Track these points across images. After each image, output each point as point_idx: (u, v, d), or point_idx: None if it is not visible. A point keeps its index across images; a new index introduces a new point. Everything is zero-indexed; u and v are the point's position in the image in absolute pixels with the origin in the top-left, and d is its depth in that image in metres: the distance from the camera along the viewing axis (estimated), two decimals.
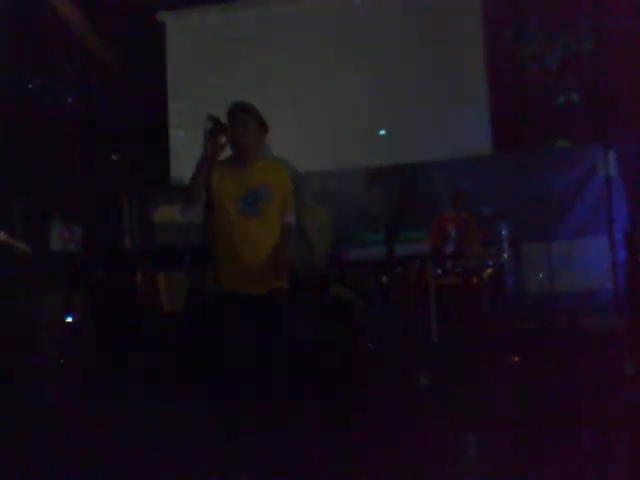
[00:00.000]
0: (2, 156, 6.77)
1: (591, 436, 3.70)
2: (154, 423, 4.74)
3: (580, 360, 5.27)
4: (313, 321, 5.32)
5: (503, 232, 6.65)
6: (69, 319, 6.88)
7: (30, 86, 8.04)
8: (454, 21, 7.67)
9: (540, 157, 7.59)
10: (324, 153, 7.26)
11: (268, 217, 3.56)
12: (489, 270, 6.52)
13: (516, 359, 5.61)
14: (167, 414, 4.94)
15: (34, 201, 6.29)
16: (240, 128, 3.52)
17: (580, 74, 7.73)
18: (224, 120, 3.46)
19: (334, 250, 5.78)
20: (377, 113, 7.61)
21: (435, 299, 5.85)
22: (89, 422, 4.80)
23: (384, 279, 5.38)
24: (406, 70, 7.58)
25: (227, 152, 3.58)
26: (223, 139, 3.40)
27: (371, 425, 4.16)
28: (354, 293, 6.10)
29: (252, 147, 3.59)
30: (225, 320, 3.56)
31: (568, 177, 7.47)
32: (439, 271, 6.30)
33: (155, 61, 8.06)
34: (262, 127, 3.62)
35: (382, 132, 7.75)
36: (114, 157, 8.49)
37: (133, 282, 7.31)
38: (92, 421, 4.83)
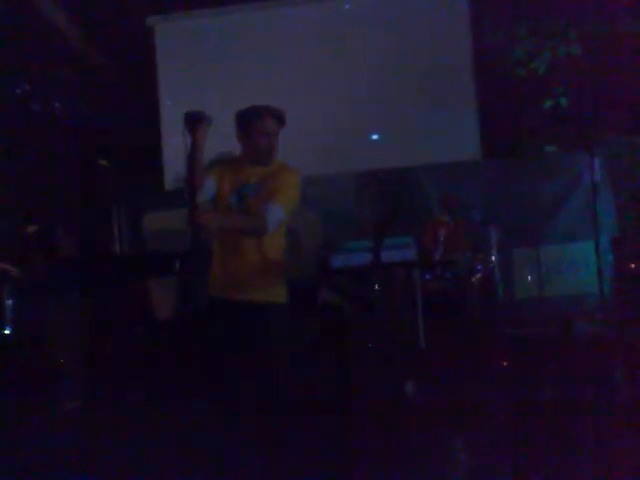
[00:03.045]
0: None
1: (582, 441, 3.71)
2: (147, 430, 4.74)
3: (570, 365, 5.27)
4: (304, 327, 5.31)
5: (492, 237, 6.66)
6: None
7: (18, 91, 8.00)
8: (443, 26, 7.68)
9: (529, 162, 7.63)
10: (313, 157, 7.27)
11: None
12: (478, 275, 6.53)
13: (504, 365, 5.61)
14: (156, 423, 4.95)
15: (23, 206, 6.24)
16: (261, 136, 3.45)
17: (568, 78, 7.75)
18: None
19: (322, 256, 5.77)
20: (366, 118, 7.60)
21: (423, 305, 5.84)
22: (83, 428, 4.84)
23: (372, 285, 5.36)
24: (395, 75, 7.58)
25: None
26: (203, 125, 3.31)
27: (360, 433, 4.14)
28: (344, 299, 6.10)
29: (273, 151, 3.48)
30: (210, 329, 3.52)
31: (556, 182, 7.50)
32: (427, 276, 6.31)
33: (146, 66, 8.05)
34: (280, 126, 3.51)
35: (375, 137, 7.75)
36: (105, 162, 8.47)
37: (123, 288, 7.30)
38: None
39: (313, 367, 4.76)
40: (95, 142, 7.95)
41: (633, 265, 7.25)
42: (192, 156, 3.29)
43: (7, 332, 5.99)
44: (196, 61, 7.95)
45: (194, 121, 3.25)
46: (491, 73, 7.77)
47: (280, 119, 3.52)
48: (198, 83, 7.78)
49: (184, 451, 4.01)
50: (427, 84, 7.52)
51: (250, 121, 3.47)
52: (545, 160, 7.87)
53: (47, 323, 5.81)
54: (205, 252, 3.56)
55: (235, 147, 3.61)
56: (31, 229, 6.00)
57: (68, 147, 7.57)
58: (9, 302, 5.90)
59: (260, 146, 3.46)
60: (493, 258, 6.61)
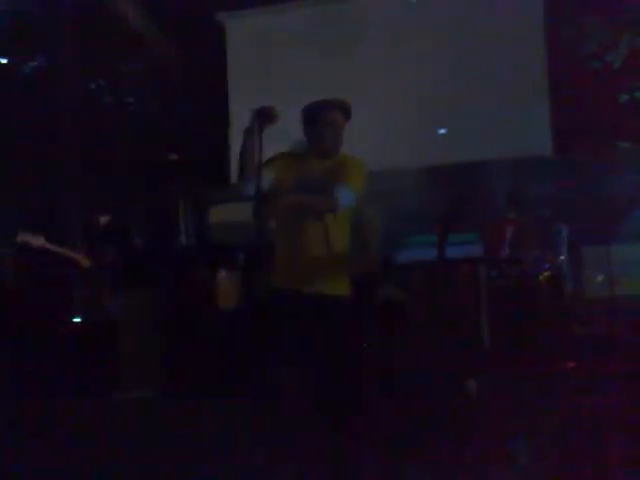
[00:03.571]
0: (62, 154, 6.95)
1: None
2: (207, 422, 4.82)
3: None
4: (364, 322, 5.30)
5: (561, 235, 6.50)
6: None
7: (92, 87, 8.22)
8: (516, 20, 7.51)
9: (601, 158, 7.41)
10: (377, 152, 7.23)
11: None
12: (546, 274, 6.38)
13: (572, 366, 5.48)
14: (218, 414, 5.02)
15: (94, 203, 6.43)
16: (327, 129, 3.49)
17: None
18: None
19: (385, 251, 5.73)
20: (434, 111, 7.50)
21: (489, 303, 5.74)
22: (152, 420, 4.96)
23: (436, 282, 5.30)
24: (464, 68, 7.46)
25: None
26: (270, 124, 3.33)
27: (424, 435, 4.10)
28: (406, 295, 6.05)
29: (338, 144, 3.53)
30: (276, 320, 3.55)
31: (630, 178, 7.27)
32: (493, 274, 6.20)
33: (215, 62, 8.15)
34: (346, 120, 3.55)
35: (442, 131, 7.65)
36: (173, 157, 8.63)
37: (189, 281, 7.42)
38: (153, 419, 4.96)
39: (374, 363, 4.75)
40: (164, 136, 8.10)
41: None
42: (249, 146, 3.34)
43: (77, 320, 6.18)
44: (265, 57, 8.00)
45: (264, 117, 3.29)
46: (564, 66, 7.57)
47: (346, 112, 3.54)
48: (267, 79, 7.83)
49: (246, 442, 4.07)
50: (498, 78, 7.38)
51: (316, 114, 3.50)
52: (618, 156, 7.63)
53: (115, 313, 5.95)
54: (269, 245, 3.59)
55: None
56: (103, 220, 6.15)
57: (137, 141, 7.73)
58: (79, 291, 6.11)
59: (326, 138, 3.48)
60: (562, 257, 6.45)
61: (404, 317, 5.75)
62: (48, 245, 5.79)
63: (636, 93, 7.47)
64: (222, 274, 7.21)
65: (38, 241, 5.79)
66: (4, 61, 7.63)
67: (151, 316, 6.01)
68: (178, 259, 7.97)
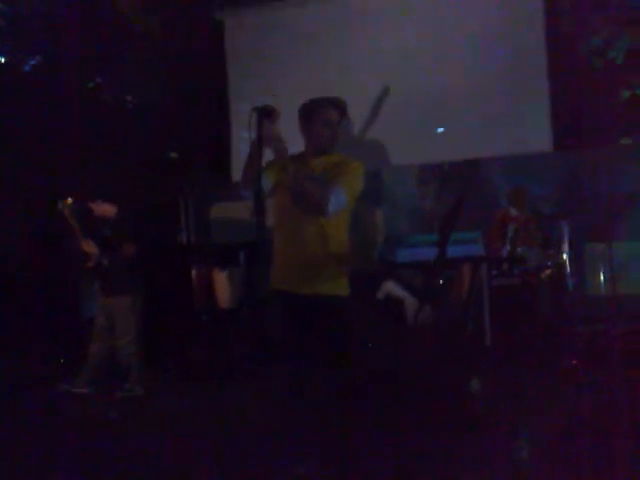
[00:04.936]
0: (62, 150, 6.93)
1: None
2: (211, 419, 4.82)
3: None
4: (365, 319, 5.28)
5: (563, 232, 6.47)
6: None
7: (91, 84, 8.19)
8: (515, 14, 7.46)
9: (603, 155, 7.36)
10: (378, 150, 7.19)
11: None
12: (548, 271, 6.36)
13: (574, 363, 5.46)
14: (219, 411, 5.01)
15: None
16: (320, 126, 3.49)
17: None
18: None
19: (385, 250, 5.71)
20: (432, 108, 7.45)
21: (490, 301, 5.72)
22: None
23: (436, 280, 5.28)
24: (463, 64, 7.41)
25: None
26: (270, 122, 3.31)
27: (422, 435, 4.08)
28: (406, 292, 6.04)
29: (332, 141, 3.55)
30: (275, 322, 3.53)
31: (631, 176, 7.23)
32: (495, 272, 6.18)
33: (215, 60, 8.12)
34: (341, 117, 3.56)
35: (440, 130, 7.60)
36: (173, 155, 8.61)
37: (189, 279, 7.42)
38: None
39: (375, 361, 4.74)
40: (164, 134, 8.07)
41: None
42: (252, 150, 3.32)
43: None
44: (265, 55, 7.95)
45: (261, 115, 3.27)
46: (565, 62, 7.52)
47: (341, 110, 3.55)
48: (267, 77, 7.79)
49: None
50: (497, 73, 7.33)
51: (311, 112, 3.51)
52: (620, 153, 7.59)
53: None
54: (270, 243, 3.57)
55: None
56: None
57: (137, 139, 7.70)
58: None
59: (322, 136, 3.50)
60: (564, 254, 6.43)
61: (405, 314, 5.74)
62: None
63: (638, 90, 7.42)
64: (222, 273, 7.21)
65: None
66: (3, 60, 7.59)
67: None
68: (177, 257, 7.97)
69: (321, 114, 3.50)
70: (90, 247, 5.90)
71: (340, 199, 3.38)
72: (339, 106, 3.55)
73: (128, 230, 6.01)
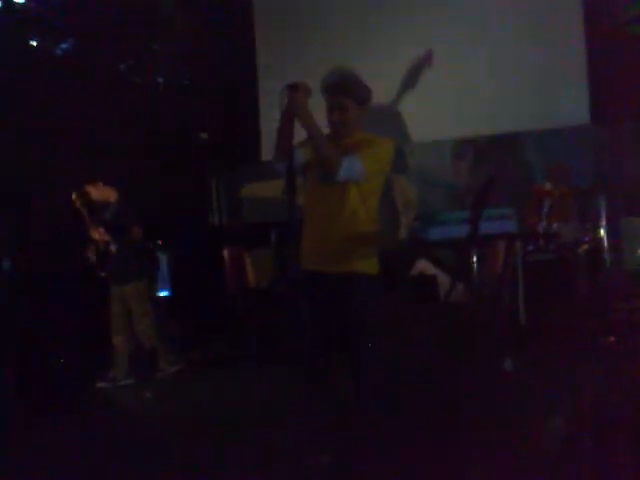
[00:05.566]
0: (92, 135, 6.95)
1: None
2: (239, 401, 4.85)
3: None
4: (398, 296, 5.23)
5: (600, 207, 6.33)
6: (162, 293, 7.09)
7: (120, 67, 8.20)
8: None
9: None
10: (411, 125, 7.09)
11: (349, 188, 3.35)
12: (585, 246, 6.24)
13: (612, 340, 5.35)
14: (250, 393, 5.05)
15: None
16: (334, 111, 3.42)
17: None
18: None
19: (419, 226, 5.64)
20: (468, 83, 7.31)
21: (525, 277, 5.61)
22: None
23: (469, 257, 5.19)
24: (501, 39, 7.27)
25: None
26: (300, 95, 3.24)
27: (456, 417, 4.03)
28: (439, 269, 5.97)
29: (346, 126, 3.43)
30: (303, 300, 3.50)
31: None
32: (530, 248, 6.07)
33: (245, 40, 8.08)
34: (361, 102, 3.42)
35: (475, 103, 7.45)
36: (203, 135, 8.61)
37: (220, 259, 7.43)
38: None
39: (407, 341, 4.69)
40: (194, 115, 8.07)
41: None
42: (282, 123, 3.28)
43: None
44: (294, 34, 7.89)
45: (289, 90, 3.22)
46: (602, 32, 7.32)
47: (357, 96, 3.42)
48: (297, 53, 7.72)
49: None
50: (533, 45, 7.18)
51: (325, 97, 3.44)
52: None
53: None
54: (301, 222, 3.54)
55: None
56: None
57: (168, 120, 7.71)
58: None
59: (332, 121, 3.43)
60: (600, 229, 6.29)
61: (438, 291, 5.68)
62: None
63: None
64: (254, 253, 7.21)
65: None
66: (35, 43, 7.62)
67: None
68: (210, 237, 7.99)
69: (330, 100, 3.40)
70: (99, 234, 5.83)
71: (354, 166, 3.29)
72: (355, 93, 3.41)
73: (133, 213, 5.91)
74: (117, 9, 7.35)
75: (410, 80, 7.22)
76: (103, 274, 5.96)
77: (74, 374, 6.00)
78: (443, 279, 5.86)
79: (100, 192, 5.85)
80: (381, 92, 6.65)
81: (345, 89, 3.41)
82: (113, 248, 5.82)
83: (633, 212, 6.85)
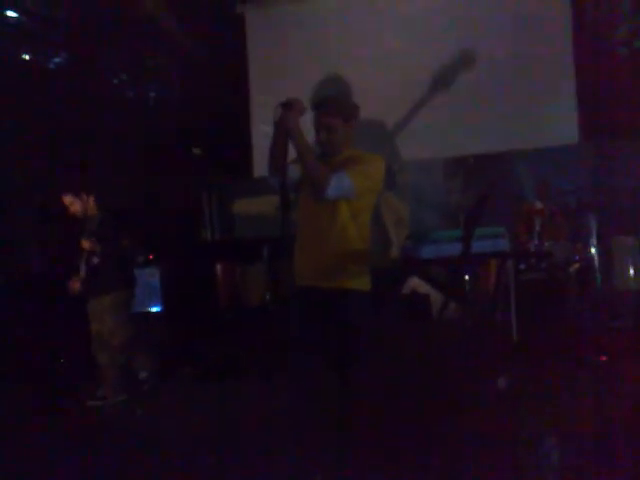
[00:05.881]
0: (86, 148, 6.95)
1: None
2: (232, 418, 4.82)
3: None
4: (390, 314, 5.24)
5: (591, 225, 6.37)
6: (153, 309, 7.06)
7: (113, 81, 8.21)
8: (542, 6, 7.34)
9: (630, 146, 7.24)
10: (403, 144, 7.12)
11: (340, 205, 3.38)
12: (576, 265, 6.28)
13: (603, 359, 5.38)
14: (242, 409, 5.02)
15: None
16: (321, 131, 3.44)
17: None
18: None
19: (410, 245, 5.65)
20: (459, 103, 7.35)
21: (517, 296, 5.64)
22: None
23: (462, 276, 5.22)
24: (488, 57, 7.32)
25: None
26: (295, 110, 3.27)
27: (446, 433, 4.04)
28: (432, 287, 5.98)
29: (334, 145, 3.47)
30: (295, 316, 3.52)
31: None
32: (522, 267, 6.10)
33: (237, 54, 8.10)
34: (347, 119, 3.45)
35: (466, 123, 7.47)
36: (196, 151, 8.62)
37: (212, 274, 7.41)
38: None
39: (398, 356, 4.70)
40: (187, 130, 8.08)
41: None
42: (275, 140, 3.31)
43: None
44: (287, 48, 7.91)
45: (283, 108, 3.25)
46: (591, 53, 7.40)
47: (345, 113, 3.44)
48: (290, 68, 7.74)
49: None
50: (523, 66, 7.23)
51: (314, 115, 3.46)
52: None
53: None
54: (294, 238, 3.55)
55: None
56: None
57: (160, 135, 7.71)
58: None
59: (320, 140, 3.46)
60: (592, 248, 6.33)
61: (430, 309, 5.69)
62: None
63: None
64: (247, 268, 7.19)
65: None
66: (28, 57, 7.62)
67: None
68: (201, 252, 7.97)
69: (317, 120, 3.44)
70: (90, 244, 5.53)
71: (343, 183, 3.31)
72: (343, 111, 3.45)
73: (118, 225, 5.69)
74: (110, 24, 7.36)
75: (444, 80, 7.18)
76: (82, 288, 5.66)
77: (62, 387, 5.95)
78: (436, 297, 5.87)
79: (82, 204, 5.67)
80: (373, 108, 6.82)
81: (331, 109, 3.44)
82: (95, 260, 5.54)
83: (624, 231, 6.91)
